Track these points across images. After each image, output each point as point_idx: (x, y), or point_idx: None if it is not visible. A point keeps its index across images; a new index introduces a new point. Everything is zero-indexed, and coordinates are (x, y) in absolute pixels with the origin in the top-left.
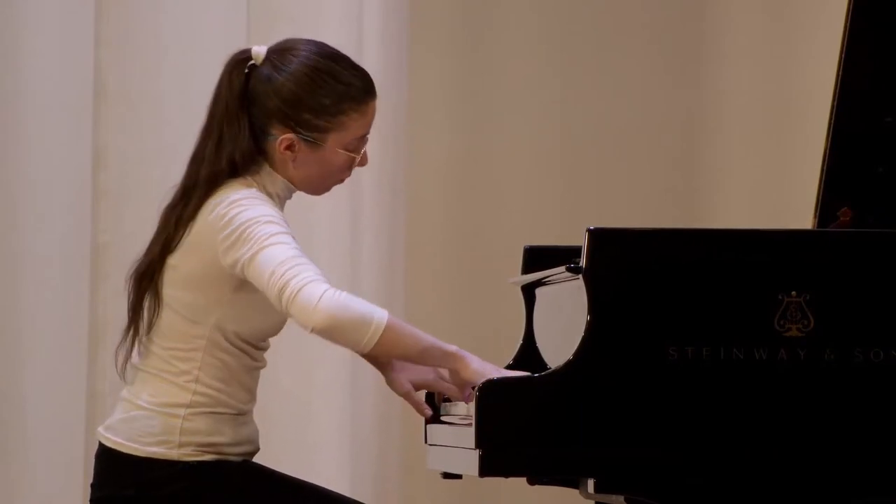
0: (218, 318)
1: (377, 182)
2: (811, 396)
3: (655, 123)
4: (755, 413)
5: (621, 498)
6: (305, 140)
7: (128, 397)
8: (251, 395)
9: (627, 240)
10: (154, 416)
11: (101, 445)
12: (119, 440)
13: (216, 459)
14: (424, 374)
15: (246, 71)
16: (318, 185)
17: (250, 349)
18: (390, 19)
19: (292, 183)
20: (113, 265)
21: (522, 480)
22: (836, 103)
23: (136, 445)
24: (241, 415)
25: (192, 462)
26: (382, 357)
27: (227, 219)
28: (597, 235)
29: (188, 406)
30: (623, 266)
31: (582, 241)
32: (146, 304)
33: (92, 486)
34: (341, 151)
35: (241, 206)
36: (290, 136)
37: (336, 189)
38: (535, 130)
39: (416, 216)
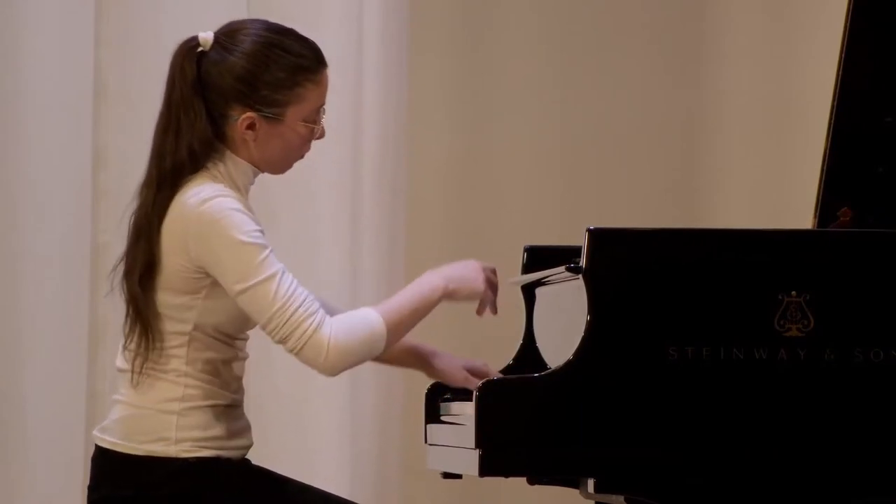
0: (196, 313)
1: (377, 182)
2: (811, 396)
3: (655, 123)
4: (755, 413)
5: (621, 498)
6: (266, 117)
7: (121, 399)
8: (239, 386)
9: (627, 240)
10: (149, 414)
11: (97, 447)
12: (115, 440)
13: (215, 456)
14: (472, 359)
15: (196, 58)
16: (281, 163)
17: (231, 340)
18: (390, 19)
19: (255, 165)
20: (113, 265)
21: (522, 480)
22: (836, 103)
23: (133, 445)
24: (234, 407)
25: (191, 459)
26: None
27: (201, 222)
28: (597, 235)
29: (181, 400)
30: (623, 266)
31: (582, 241)
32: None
33: (89, 488)
34: (301, 124)
35: (212, 207)
36: (251, 114)
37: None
38: (535, 130)
39: (416, 216)
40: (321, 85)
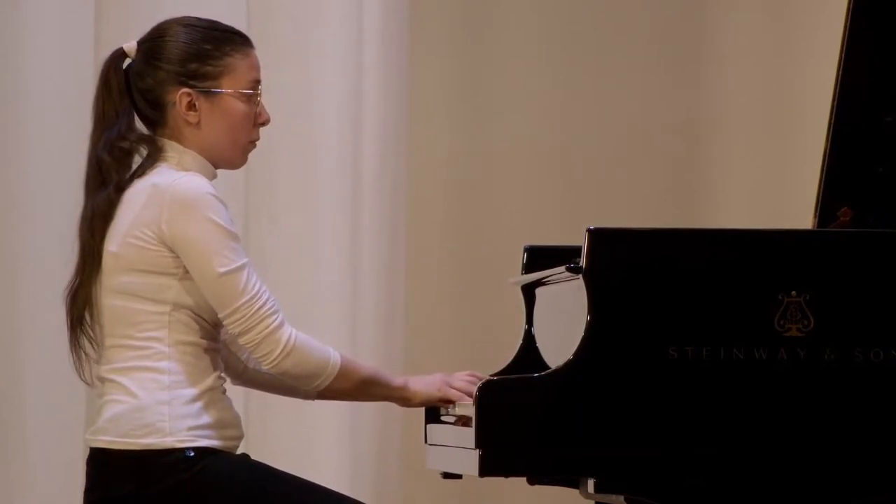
0: (174, 293)
1: (377, 182)
2: (811, 396)
3: (655, 123)
4: (755, 413)
5: (621, 498)
6: (202, 92)
7: (108, 398)
8: (220, 375)
9: (627, 240)
10: (140, 407)
11: (92, 450)
12: (111, 439)
13: (212, 447)
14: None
15: (124, 67)
16: (231, 149)
17: (208, 326)
18: (390, 19)
19: (207, 155)
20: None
21: (522, 480)
22: (836, 103)
23: (129, 441)
24: (221, 394)
25: (188, 449)
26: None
27: (177, 200)
28: (597, 235)
29: (169, 389)
30: (623, 266)
31: (582, 241)
32: (88, 314)
33: (85, 490)
34: (240, 97)
35: (189, 186)
36: (187, 90)
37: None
38: (535, 130)
39: (416, 216)
40: (250, 57)
